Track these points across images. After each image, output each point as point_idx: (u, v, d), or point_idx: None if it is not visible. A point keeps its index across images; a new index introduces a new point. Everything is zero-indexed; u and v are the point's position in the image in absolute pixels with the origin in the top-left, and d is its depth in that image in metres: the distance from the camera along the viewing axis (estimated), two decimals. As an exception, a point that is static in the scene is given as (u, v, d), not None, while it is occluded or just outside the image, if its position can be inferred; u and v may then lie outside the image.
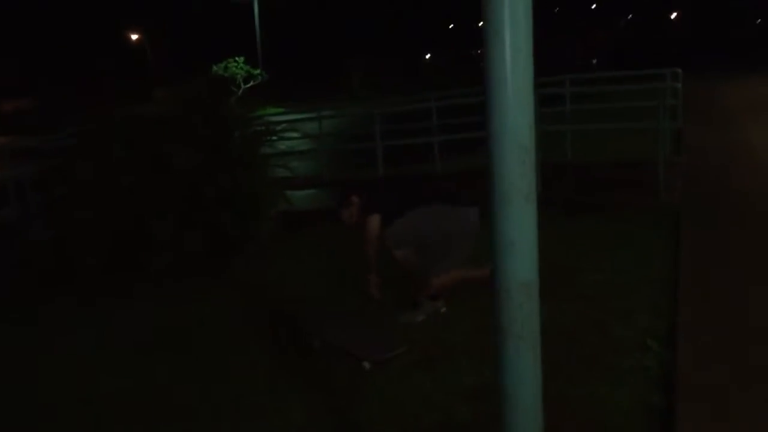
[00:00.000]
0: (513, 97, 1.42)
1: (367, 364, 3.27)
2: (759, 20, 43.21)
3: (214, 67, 28.08)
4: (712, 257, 4.26)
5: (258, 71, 29.85)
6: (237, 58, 29.24)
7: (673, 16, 52.00)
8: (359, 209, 3.84)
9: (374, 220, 3.75)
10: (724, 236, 4.64)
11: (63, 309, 4.69)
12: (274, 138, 5.89)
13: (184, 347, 3.84)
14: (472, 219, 3.78)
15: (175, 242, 4.54)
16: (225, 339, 3.89)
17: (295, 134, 7.67)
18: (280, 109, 19.73)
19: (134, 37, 39.68)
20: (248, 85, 28.87)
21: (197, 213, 4.73)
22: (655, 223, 5.20)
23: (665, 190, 5.84)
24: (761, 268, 3.99)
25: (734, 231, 4.72)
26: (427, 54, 58.91)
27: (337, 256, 5.19)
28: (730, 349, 3.01)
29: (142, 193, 4.64)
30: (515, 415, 1.60)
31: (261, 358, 3.55)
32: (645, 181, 6.23)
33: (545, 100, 7.12)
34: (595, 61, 34.04)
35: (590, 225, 5.27)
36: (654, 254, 4.52)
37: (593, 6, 50.52)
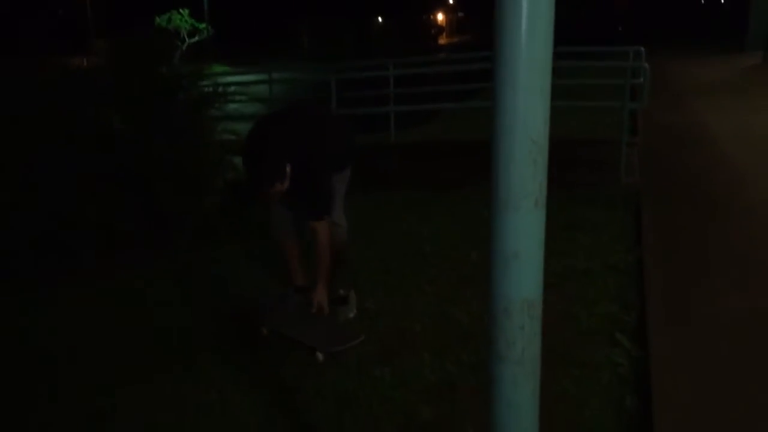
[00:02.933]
0: (528, 84, 1.17)
1: (320, 355, 3.03)
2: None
3: (157, 19, 26.77)
4: (674, 243, 4.17)
5: (203, 25, 28.69)
6: (182, 11, 27.96)
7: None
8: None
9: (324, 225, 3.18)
10: (684, 220, 4.57)
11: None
12: (224, 102, 5.46)
13: (110, 343, 3.46)
14: None
15: (106, 221, 4.10)
16: (160, 331, 3.52)
17: (243, 97, 7.26)
18: (226, 68, 18.99)
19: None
20: (193, 40, 27.71)
21: (132, 187, 4.29)
22: (616, 204, 5.10)
23: (626, 171, 5.75)
24: (723, 253, 3.92)
25: (694, 215, 4.65)
26: (377, 17, 58.08)
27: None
28: (703, 347, 2.89)
29: (66, 165, 4.13)
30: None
31: (204, 351, 3.24)
32: (605, 160, 6.13)
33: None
34: None
35: (551, 205, 5.12)
36: (616, 238, 4.41)
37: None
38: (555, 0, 1.17)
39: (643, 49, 6.23)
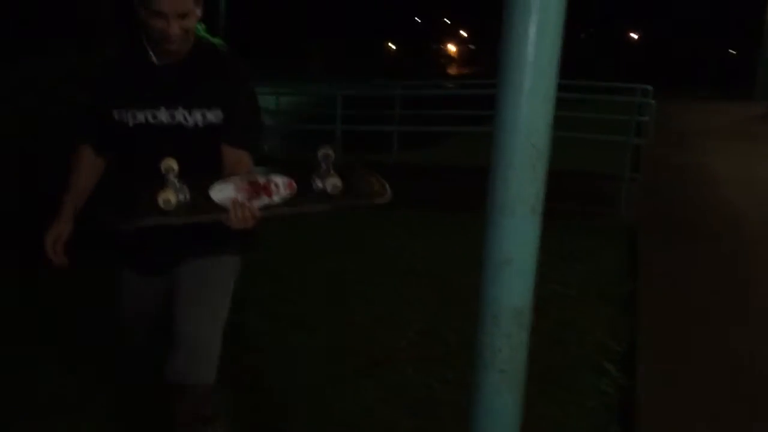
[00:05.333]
0: (532, 88, 1.17)
1: None
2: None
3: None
4: (669, 278, 4.15)
5: (218, 40, 29.00)
6: (199, 25, 28.24)
7: (635, 36, 53.31)
8: None
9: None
10: (681, 257, 4.56)
11: None
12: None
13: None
14: None
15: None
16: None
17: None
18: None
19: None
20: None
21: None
22: (613, 237, 5.10)
23: (625, 205, 5.76)
24: (716, 290, 3.90)
25: (690, 252, 4.64)
26: (389, 43, 58.73)
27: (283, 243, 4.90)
28: (691, 380, 2.87)
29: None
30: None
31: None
32: (605, 193, 6.14)
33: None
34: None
35: (548, 234, 5.12)
36: (612, 269, 4.40)
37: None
38: (565, 6, 1.17)
39: (650, 87, 6.28)
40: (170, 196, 1.58)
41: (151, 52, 1.87)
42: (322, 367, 3.03)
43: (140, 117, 1.86)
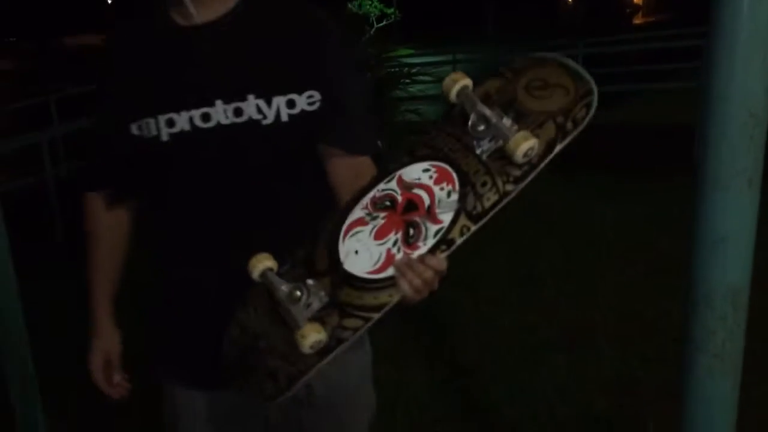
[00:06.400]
0: (748, 48, 1.05)
1: None
2: None
3: (349, 5, 27.93)
4: None
5: (392, 10, 29.49)
6: (372, -1, 28.97)
7: None
8: None
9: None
10: None
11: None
12: (408, 81, 5.58)
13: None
14: None
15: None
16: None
17: (427, 78, 7.35)
18: (411, 51, 19.35)
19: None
20: (381, 24, 28.62)
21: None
22: None
23: None
24: None
25: None
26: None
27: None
28: None
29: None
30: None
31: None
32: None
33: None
34: None
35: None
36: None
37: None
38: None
39: None
40: (316, 334, 0.92)
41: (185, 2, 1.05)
42: (516, 343, 3.02)
43: (181, 122, 1.07)
